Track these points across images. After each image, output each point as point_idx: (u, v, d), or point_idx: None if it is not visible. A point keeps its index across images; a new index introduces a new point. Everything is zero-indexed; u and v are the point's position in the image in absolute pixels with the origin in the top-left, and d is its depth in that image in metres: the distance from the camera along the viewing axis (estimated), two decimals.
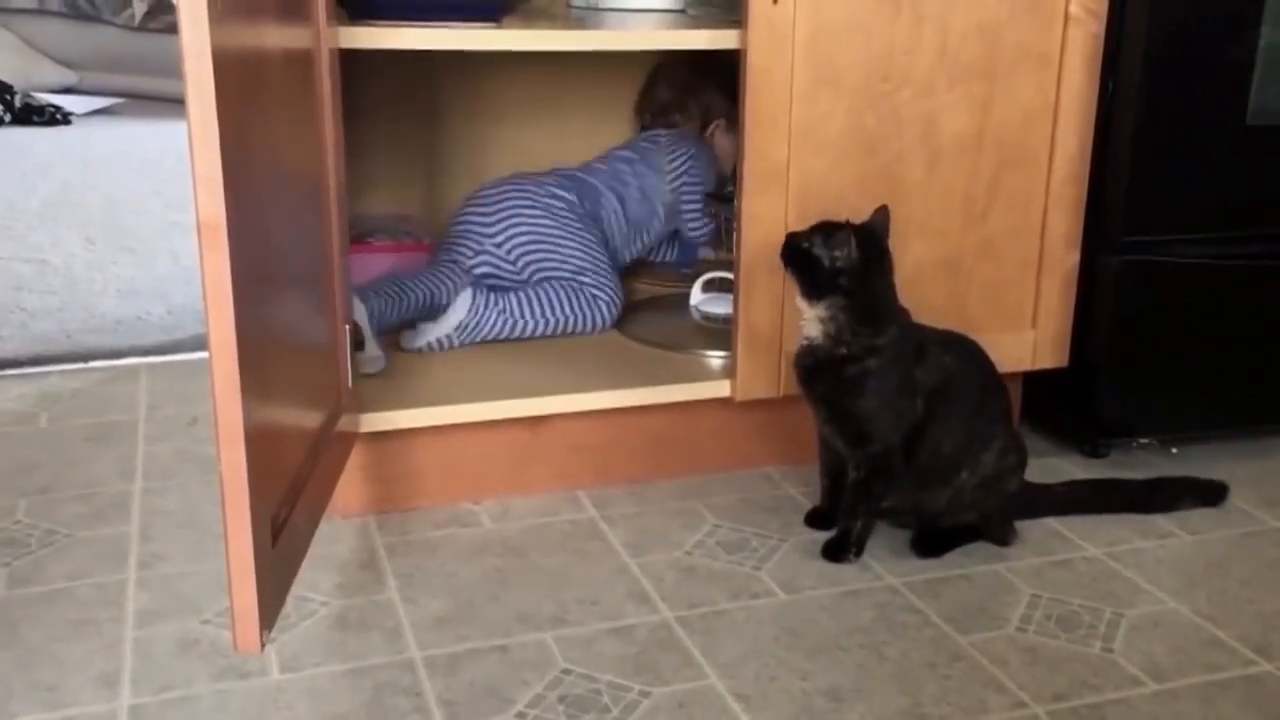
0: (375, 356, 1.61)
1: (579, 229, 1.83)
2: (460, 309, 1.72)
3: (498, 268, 1.80)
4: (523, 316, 1.75)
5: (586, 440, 1.64)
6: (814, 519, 1.56)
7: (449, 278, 1.77)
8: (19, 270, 2.70)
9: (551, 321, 1.76)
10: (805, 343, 1.45)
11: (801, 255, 1.43)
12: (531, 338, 1.76)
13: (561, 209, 1.83)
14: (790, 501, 1.63)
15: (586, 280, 1.79)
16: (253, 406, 1.02)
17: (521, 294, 1.76)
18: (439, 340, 1.71)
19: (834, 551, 1.48)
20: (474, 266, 1.80)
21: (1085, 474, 1.72)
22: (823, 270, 1.41)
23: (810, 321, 1.44)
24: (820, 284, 1.42)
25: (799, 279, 1.44)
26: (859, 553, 1.47)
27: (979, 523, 1.50)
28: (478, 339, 1.73)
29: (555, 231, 1.81)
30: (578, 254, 1.80)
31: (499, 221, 1.80)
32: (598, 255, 1.82)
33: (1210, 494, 1.63)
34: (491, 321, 1.73)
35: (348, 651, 1.28)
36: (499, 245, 1.79)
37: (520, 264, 1.80)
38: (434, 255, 1.85)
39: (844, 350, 1.42)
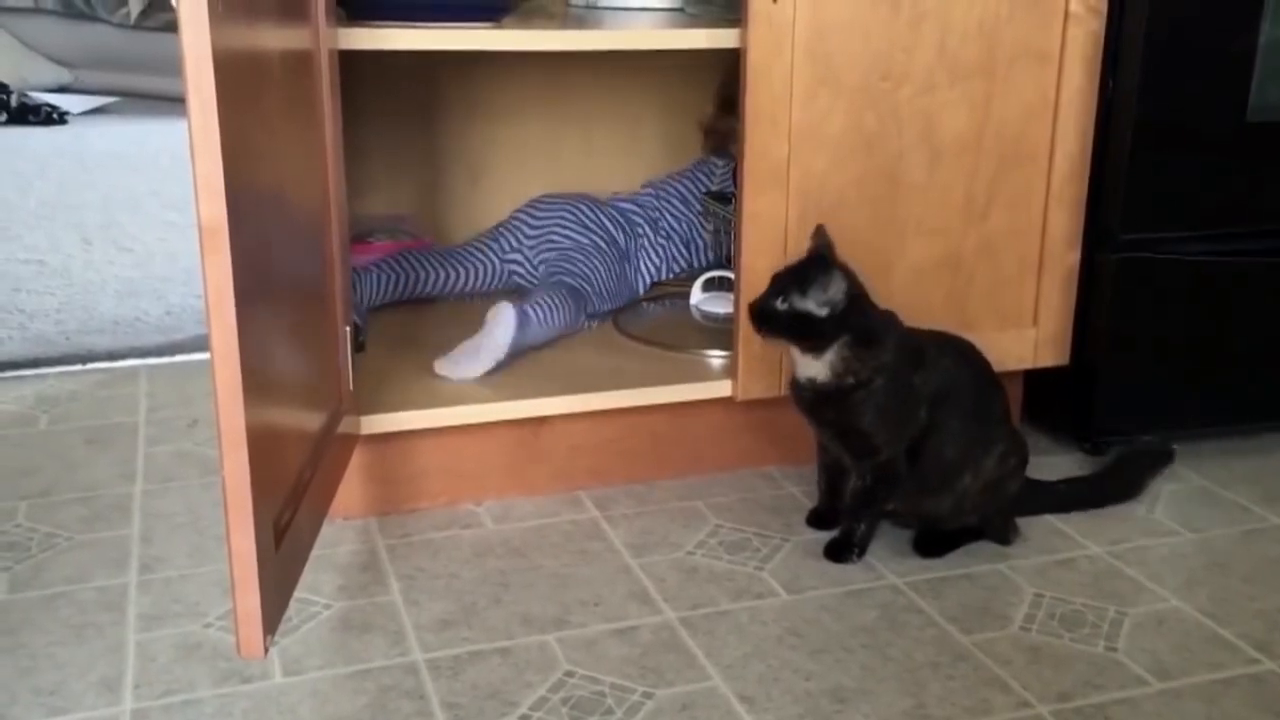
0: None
1: (610, 262, 1.87)
2: (507, 324, 1.61)
3: (523, 266, 1.90)
4: (553, 323, 1.70)
5: (587, 441, 1.64)
6: (815, 519, 1.55)
7: (478, 260, 1.88)
8: (16, 271, 2.70)
9: (559, 328, 1.73)
10: (805, 380, 1.39)
11: (789, 318, 1.34)
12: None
13: (604, 241, 1.89)
14: (792, 501, 1.63)
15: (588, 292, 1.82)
16: (255, 410, 1.02)
17: (549, 301, 1.71)
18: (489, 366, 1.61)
19: (837, 552, 1.47)
20: (508, 259, 1.89)
21: (1087, 472, 1.72)
22: (819, 322, 1.33)
23: (813, 366, 1.38)
24: (822, 335, 1.34)
25: (795, 341, 1.36)
26: (862, 553, 1.47)
27: (981, 524, 1.50)
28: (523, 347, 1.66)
29: (587, 255, 1.86)
30: (597, 280, 1.83)
31: (542, 230, 1.89)
32: (610, 289, 1.85)
33: (1163, 457, 1.67)
34: (532, 327, 1.66)
35: (350, 654, 1.28)
36: (533, 249, 1.89)
37: (541, 271, 1.88)
38: (468, 243, 1.93)
39: (851, 380, 1.37)
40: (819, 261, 1.34)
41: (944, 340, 1.46)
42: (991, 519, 1.50)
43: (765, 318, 1.36)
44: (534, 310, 1.66)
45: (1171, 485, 1.69)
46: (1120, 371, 1.73)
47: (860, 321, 1.35)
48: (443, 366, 1.61)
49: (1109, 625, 1.35)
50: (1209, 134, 1.65)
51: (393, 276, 1.83)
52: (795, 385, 1.42)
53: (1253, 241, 1.71)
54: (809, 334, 1.34)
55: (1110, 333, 1.71)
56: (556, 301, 1.71)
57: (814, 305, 1.32)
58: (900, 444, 1.41)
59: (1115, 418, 1.76)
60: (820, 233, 1.38)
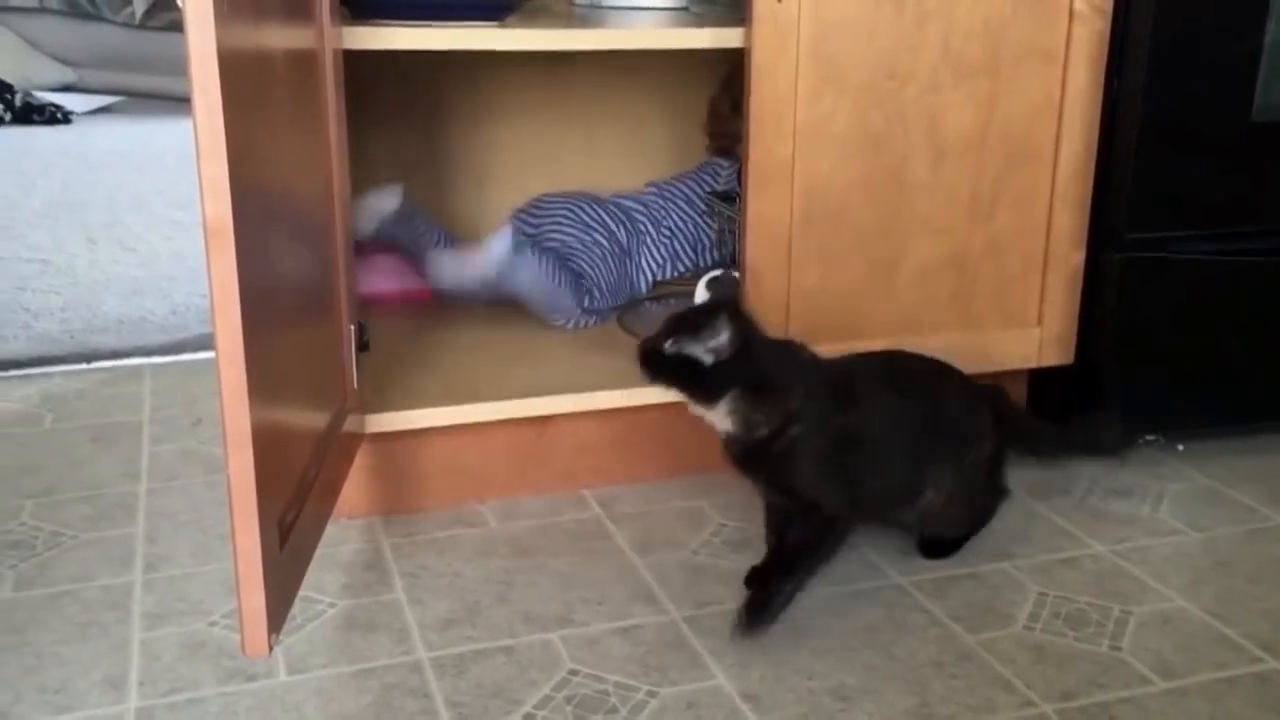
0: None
1: (610, 259, 1.87)
2: (501, 244, 1.69)
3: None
4: (547, 279, 1.76)
5: (592, 439, 1.64)
6: (756, 578, 1.39)
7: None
8: (21, 270, 2.70)
9: (553, 293, 1.77)
10: (723, 434, 1.31)
11: (674, 363, 1.25)
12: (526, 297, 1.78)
13: (604, 238, 1.89)
14: None
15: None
16: (260, 409, 1.02)
17: (549, 265, 1.78)
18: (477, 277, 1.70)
19: (753, 614, 1.28)
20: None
21: (1091, 471, 1.72)
22: (706, 370, 1.24)
23: (714, 419, 1.29)
24: (710, 385, 1.26)
25: (682, 389, 1.27)
26: (773, 620, 1.29)
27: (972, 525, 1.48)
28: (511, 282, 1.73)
29: (587, 251, 1.86)
30: (597, 276, 1.84)
31: (540, 230, 1.87)
32: (609, 286, 1.86)
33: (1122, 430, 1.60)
34: (530, 265, 1.72)
35: (355, 653, 1.28)
36: (536, 242, 1.87)
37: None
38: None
39: (763, 432, 1.27)
40: (711, 306, 1.28)
41: (891, 364, 1.39)
42: (981, 518, 1.48)
43: (651, 360, 1.27)
44: (535, 255, 1.73)
45: (1176, 484, 1.69)
46: (1125, 371, 1.73)
47: (751, 371, 1.25)
48: (432, 266, 1.71)
49: (1113, 624, 1.35)
50: (1214, 133, 1.65)
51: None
52: (723, 445, 1.32)
53: (1258, 241, 1.71)
54: (696, 382, 1.26)
55: (1115, 332, 1.71)
56: (556, 269, 1.75)
57: (700, 351, 1.24)
58: (844, 494, 1.31)
59: (1120, 417, 1.76)
60: (725, 281, 1.31)
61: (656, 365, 1.27)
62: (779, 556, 1.34)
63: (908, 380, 1.38)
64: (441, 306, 1.89)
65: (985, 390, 1.46)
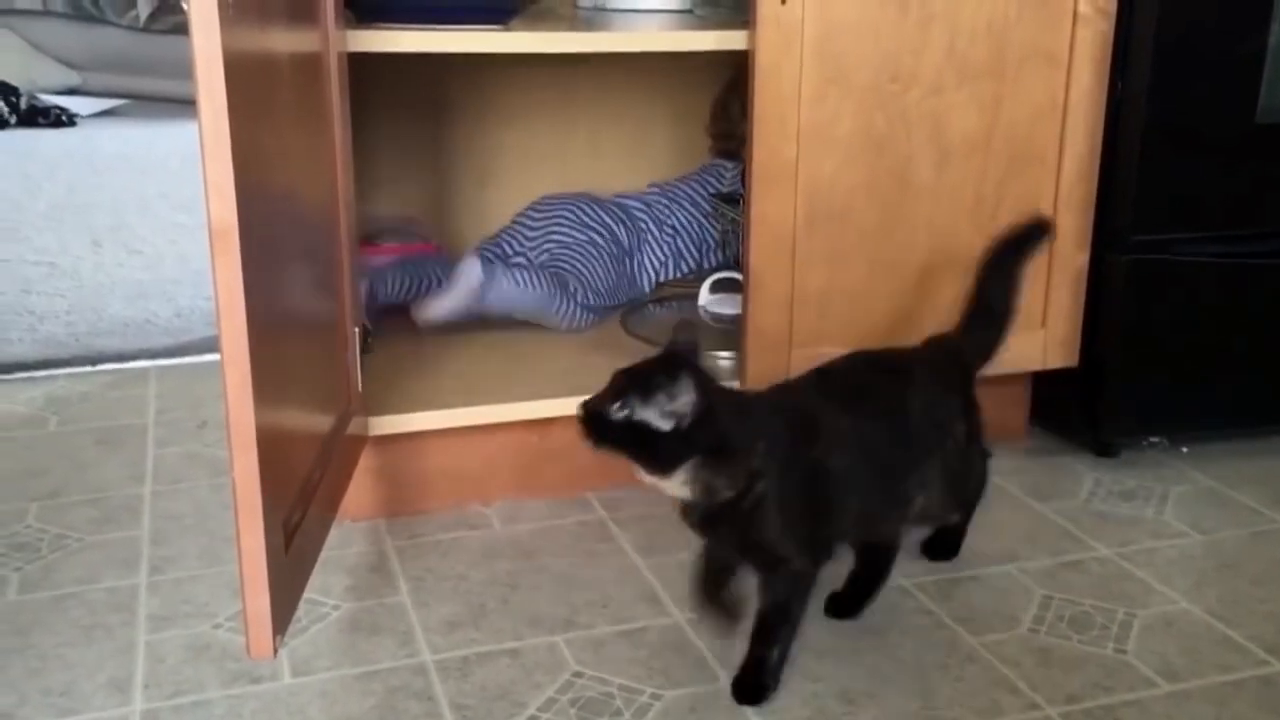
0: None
1: (608, 259, 1.88)
2: (472, 272, 1.73)
3: (529, 263, 1.92)
4: (524, 293, 1.77)
5: None
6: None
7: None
8: (26, 273, 2.70)
9: (534, 303, 1.78)
10: (680, 502, 1.17)
11: (626, 429, 1.09)
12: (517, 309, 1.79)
13: (602, 238, 1.89)
14: None
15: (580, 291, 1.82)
16: (264, 412, 1.02)
17: (524, 276, 1.78)
18: (456, 308, 1.73)
19: (751, 693, 1.20)
20: (512, 263, 1.88)
21: (1095, 474, 1.72)
22: (662, 438, 1.09)
23: (668, 488, 1.14)
24: (667, 454, 1.10)
25: (634, 458, 1.11)
26: (777, 683, 1.21)
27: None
28: (491, 303, 1.75)
29: (583, 251, 1.86)
30: (592, 277, 1.84)
31: (541, 231, 1.88)
32: (606, 286, 1.86)
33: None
34: (501, 286, 1.75)
35: (359, 655, 1.28)
36: (534, 251, 1.88)
37: (541, 264, 1.89)
38: (476, 247, 1.93)
39: (727, 495, 1.13)
40: (669, 363, 1.11)
41: (850, 380, 1.28)
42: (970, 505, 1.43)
43: (597, 425, 1.11)
44: (505, 274, 1.75)
45: (1180, 487, 1.69)
46: (1129, 373, 1.73)
47: (712, 436, 1.11)
48: (416, 310, 1.76)
49: (1118, 627, 1.34)
50: (1218, 135, 1.64)
51: (400, 279, 1.83)
52: (681, 511, 1.18)
53: (1262, 243, 1.71)
54: (650, 451, 1.10)
55: (1119, 334, 1.70)
56: (532, 278, 1.76)
57: (656, 416, 1.08)
58: (815, 547, 1.19)
59: (1124, 419, 1.76)
60: (685, 327, 1.18)
61: (603, 431, 1.10)
62: (756, 626, 1.21)
63: (870, 396, 1.26)
64: None
65: (944, 357, 1.37)
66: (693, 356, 1.14)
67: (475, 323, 1.81)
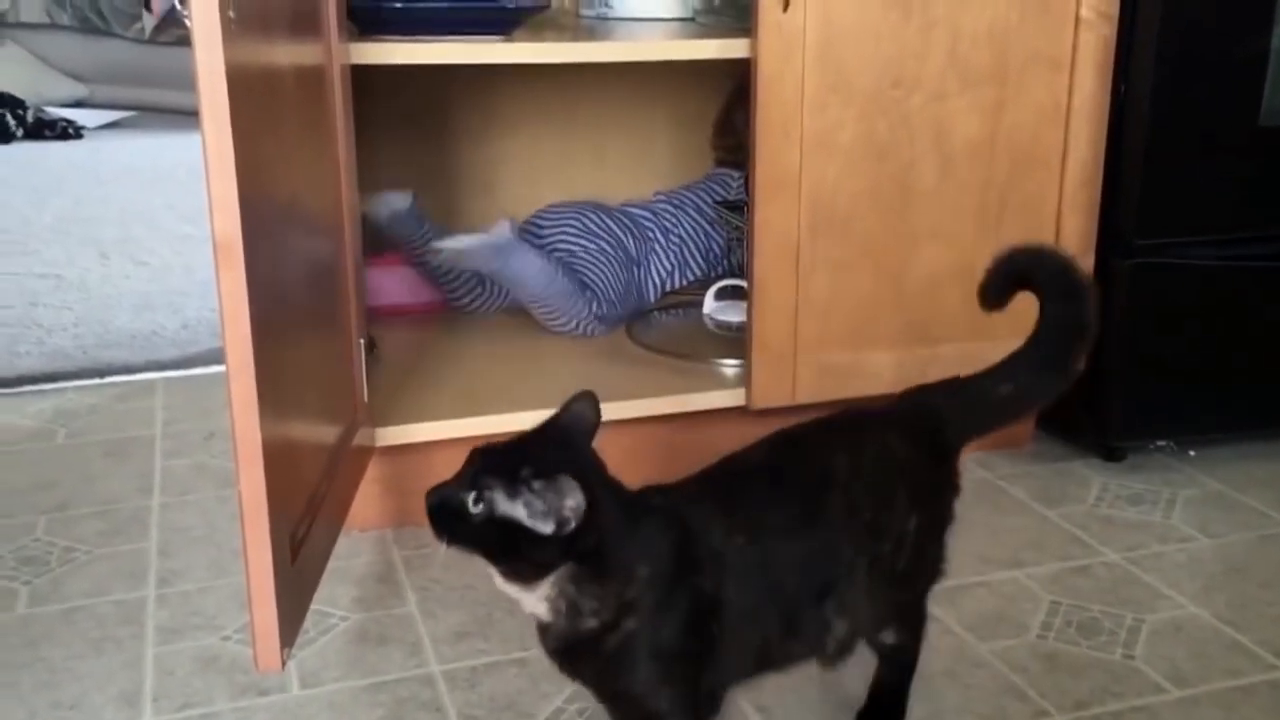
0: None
1: (617, 266, 1.88)
2: (502, 229, 1.76)
3: None
4: (550, 277, 1.78)
5: (602, 450, 1.64)
6: None
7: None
8: (34, 286, 2.71)
9: (551, 291, 1.78)
10: (537, 622, 0.96)
11: (484, 528, 0.89)
12: (527, 299, 1.82)
13: (610, 246, 1.89)
14: None
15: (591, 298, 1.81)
16: (270, 424, 1.02)
17: (554, 264, 1.80)
18: (471, 250, 1.73)
19: None
20: None
21: (1102, 478, 1.72)
22: (535, 541, 0.88)
23: (526, 603, 0.94)
24: (534, 561, 0.90)
25: (492, 561, 0.92)
26: None
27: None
28: (500, 268, 1.77)
29: (593, 259, 1.86)
30: (604, 285, 1.84)
31: (548, 241, 1.88)
32: (617, 294, 1.86)
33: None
34: (520, 257, 1.75)
35: (367, 666, 1.28)
36: (545, 251, 1.88)
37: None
38: None
39: (591, 624, 0.92)
40: (551, 448, 0.92)
41: (762, 463, 1.06)
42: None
43: (447, 520, 0.90)
44: (534, 251, 1.77)
45: (1188, 490, 1.69)
46: (1135, 377, 1.72)
47: (595, 543, 0.90)
48: (438, 244, 1.74)
49: (1126, 632, 1.34)
50: (1222, 139, 1.64)
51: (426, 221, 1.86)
52: (539, 634, 0.97)
53: (1267, 245, 1.70)
54: (512, 555, 0.90)
55: (1124, 338, 1.70)
56: (557, 270, 1.77)
57: (527, 515, 0.88)
58: (698, 701, 0.97)
59: (1130, 423, 1.76)
60: (583, 397, 0.99)
61: (454, 527, 0.90)
62: None
63: (784, 498, 1.01)
64: (451, 318, 1.89)
65: (912, 426, 1.10)
66: (584, 437, 0.96)
67: (479, 333, 1.82)
